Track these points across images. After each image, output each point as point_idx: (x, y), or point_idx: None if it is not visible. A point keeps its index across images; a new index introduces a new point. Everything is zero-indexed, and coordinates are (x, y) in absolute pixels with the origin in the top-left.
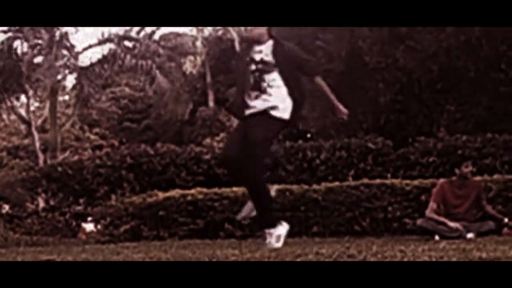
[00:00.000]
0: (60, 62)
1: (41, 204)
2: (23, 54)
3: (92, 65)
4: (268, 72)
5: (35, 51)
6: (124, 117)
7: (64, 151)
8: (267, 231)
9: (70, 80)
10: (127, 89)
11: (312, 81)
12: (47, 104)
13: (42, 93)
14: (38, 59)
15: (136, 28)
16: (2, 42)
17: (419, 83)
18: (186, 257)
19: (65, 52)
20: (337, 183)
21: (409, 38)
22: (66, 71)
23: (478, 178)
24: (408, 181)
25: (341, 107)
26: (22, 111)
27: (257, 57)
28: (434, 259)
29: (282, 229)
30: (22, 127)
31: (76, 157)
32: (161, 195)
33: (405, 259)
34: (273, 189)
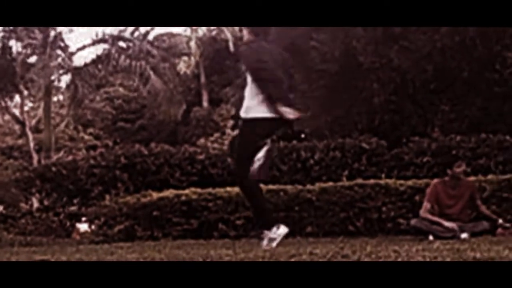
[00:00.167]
0: (54, 62)
1: (35, 204)
2: (18, 54)
3: (86, 65)
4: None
5: (29, 51)
6: (118, 117)
7: (58, 151)
8: (264, 231)
9: (64, 80)
10: (121, 89)
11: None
12: (41, 104)
13: (36, 93)
14: (32, 59)
15: (130, 29)
16: None
17: (413, 83)
18: (180, 257)
19: (59, 52)
20: (331, 183)
21: (403, 38)
22: (60, 71)
23: (472, 178)
24: (402, 181)
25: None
26: (16, 111)
27: None
28: (428, 259)
29: (277, 231)
30: (16, 127)
31: (70, 157)
32: (155, 195)
33: (399, 259)
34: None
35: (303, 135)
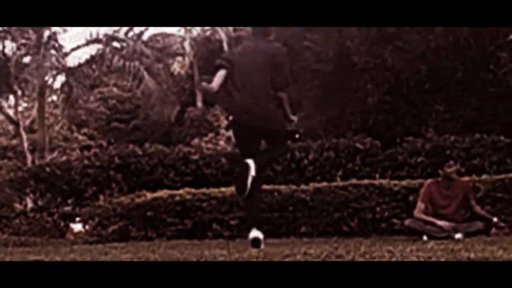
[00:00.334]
0: (48, 63)
1: (29, 204)
2: (12, 54)
3: (80, 65)
4: None
5: (23, 51)
6: (112, 118)
7: (52, 152)
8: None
9: (59, 81)
10: (115, 90)
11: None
12: (35, 105)
13: (30, 93)
14: (26, 60)
15: (124, 29)
16: None
17: (407, 83)
18: (174, 258)
19: (53, 52)
20: (325, 184)
21: (397, 38)
22: (55, 72)
23: (466, 178)
24: (396, 182)
25: (292, 116)
26: (10, 112)
27: None
28: (422, 260)
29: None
30: (10, 127)
31: (64, 158)
32: (149, 195)
33: (393, 259)
34: None
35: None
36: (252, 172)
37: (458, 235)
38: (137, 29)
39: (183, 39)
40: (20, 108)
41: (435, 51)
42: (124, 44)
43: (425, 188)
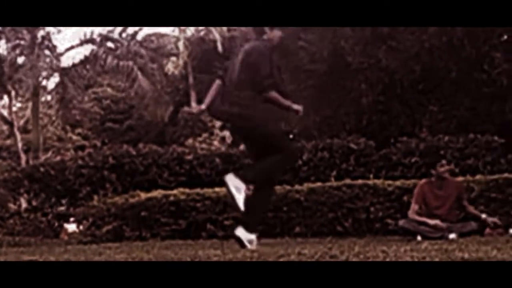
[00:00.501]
0: (42, 63)
1: (23, 204)
2: (6, 54)
3: (74, 65)
4: None
5: (17, 52)
6: (106, 118)
7: (46, 152)
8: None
9: (53, 81)
10: (109, 90)
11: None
12: (30, 105)
13: (24, 93)
14: (20, 60)
15: (118, 29)
16: None
17: (401, 83)
18: (168, 258)
19: (47, 52)
20: (319, 184)
21: (391, 38)
22: (49, 72)
23: (460, 178)
24: (390, 182)
25: (295, 106)
26: (4, 112)
27: None
28: (416, 260)
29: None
30: (4, 127)
31: (58, 158)
32: (143, 195)
33: (388, 260)
34: None
35: (291, 136)
36: (231, 187)
37: (452, 235)
38: (131, 29)
39: (177, 39)
40: (14, 108)
41: (429, 51)
42: (118, 44)
43: (418, 189)
